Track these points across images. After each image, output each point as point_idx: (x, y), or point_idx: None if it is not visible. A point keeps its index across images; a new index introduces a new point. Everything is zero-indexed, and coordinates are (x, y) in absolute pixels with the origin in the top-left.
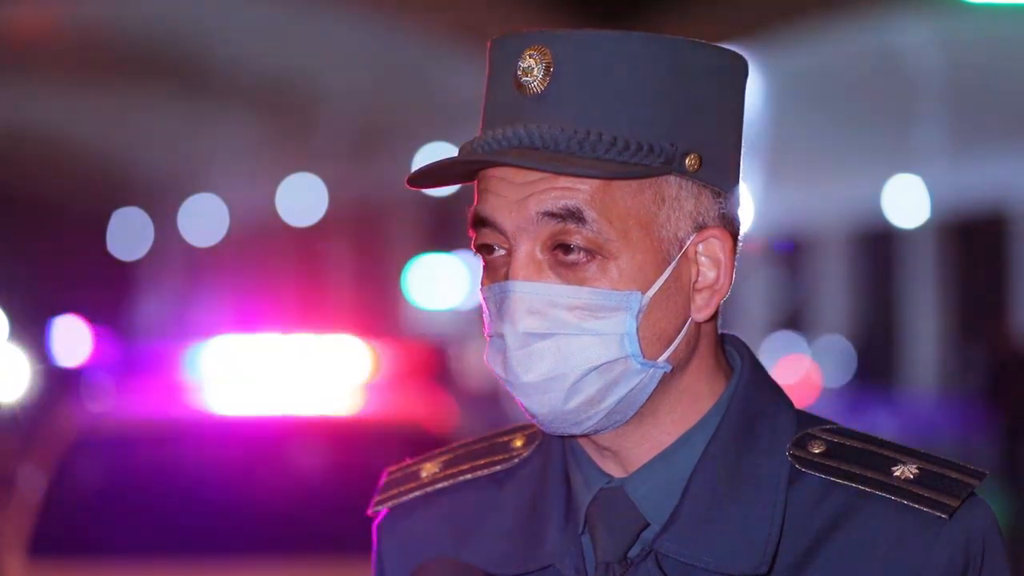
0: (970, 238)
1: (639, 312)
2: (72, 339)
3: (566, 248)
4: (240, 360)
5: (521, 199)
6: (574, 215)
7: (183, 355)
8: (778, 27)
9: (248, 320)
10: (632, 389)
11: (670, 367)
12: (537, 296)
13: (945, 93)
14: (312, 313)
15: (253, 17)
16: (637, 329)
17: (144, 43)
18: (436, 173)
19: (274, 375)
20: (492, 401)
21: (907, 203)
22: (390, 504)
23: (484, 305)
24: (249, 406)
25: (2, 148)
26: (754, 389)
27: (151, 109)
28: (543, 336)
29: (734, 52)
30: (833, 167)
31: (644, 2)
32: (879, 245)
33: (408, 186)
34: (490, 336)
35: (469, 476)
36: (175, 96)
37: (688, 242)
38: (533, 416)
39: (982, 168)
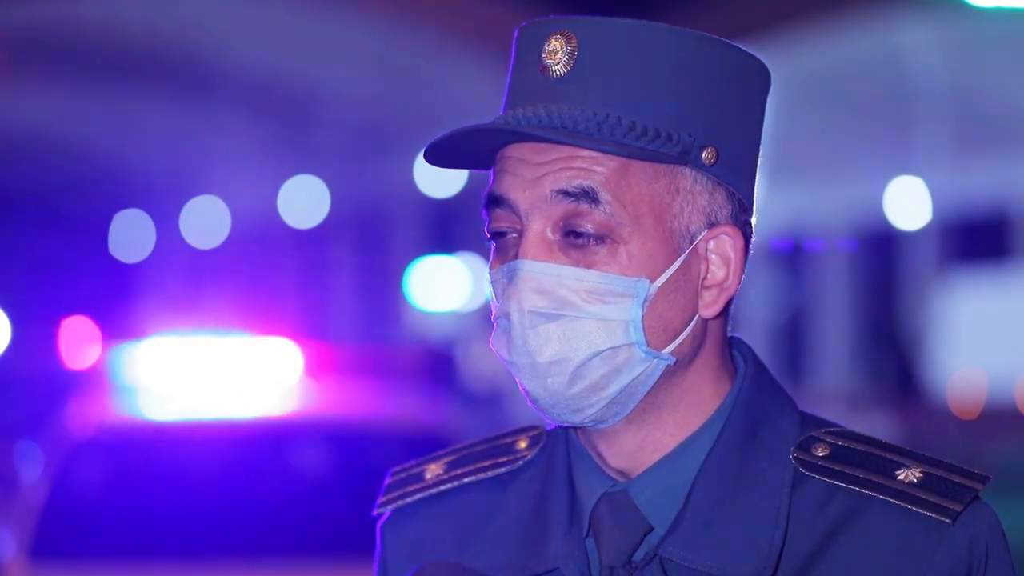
0: (972, 240)
1: (646, 300)
2: (75, 341)
3: (578, 231)
4: (229, 362)
5: (536, 178)
6: (588, 195)
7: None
8: (780, 29)
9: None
10: (635, 378)
11: (674, 360)
12: (546, 276)
13: (947, 95)
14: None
15: (255, 19)
16: (643, 318)
17: (146, 45)
18: (452, 149)
19: (231, 378)
20: (494, 403)
21: (909, 205)
22: (394, 505)
23: (492, 288)
24: (251, 408)
25: (2, 149)
26: (758, 391)
27: (153, 111)
28: (549, 317)
29: (759, 59)
30: (835, 169)
31: (645, 4)
32: (881, 247)
33: (425, 160)
34: (496, 318)
35: (473, 478)
36: (177, 98)
37: (699, 237)
38: (534, 401)
39: (984, 170)
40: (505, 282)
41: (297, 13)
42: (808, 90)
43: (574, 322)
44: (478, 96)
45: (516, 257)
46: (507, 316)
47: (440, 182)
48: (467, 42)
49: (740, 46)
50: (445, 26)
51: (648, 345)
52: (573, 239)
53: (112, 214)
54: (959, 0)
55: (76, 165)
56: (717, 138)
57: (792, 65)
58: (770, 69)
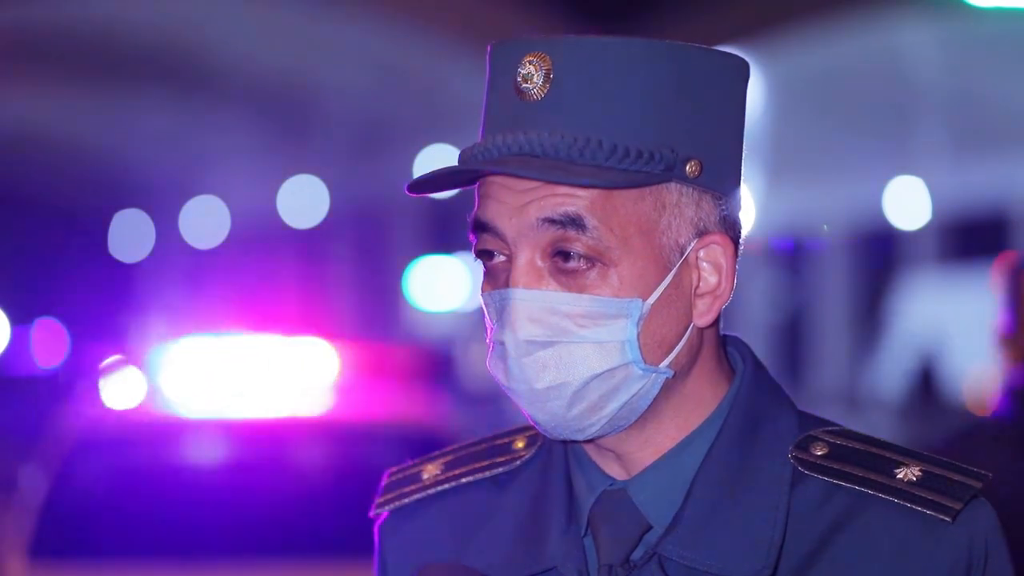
0: (971, 240)
1: (640, 319)
2: (73, 341)
3: (566, 255)
4: (231, 362)
5: (521, 205)
6: (574, 222)
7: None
8: (779, 29)
9: (229, 320)
10: (634, 395)
11: (672, 372)
12: (537, 304)
13: (947, 95)
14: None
15: (255, 18)
16: (638, 336)
17: (145, 44)
18: (436, 180)
19: (254, 377)
20: (493, 403)
21: (908, 205)
22: (392, 506)
23: (485, 311)
24: (250, 408)
25: (2, 149)
26: (756, 392)
27: (152, 110)
28: (544, 344)
29: (735, 56)
30: (834, 169)
31: (645, 3)
32: (880, 247)
33: (408, 193)
34: (492, 343)
35: (471, 478)
36: (176, 97)
37: (689, 248)
38: (537, 423)
39: (984, 170)
40: (498, 309)
41: (297, 13)
42: (808, 90)
43: (569, 347)
44: (478, 97)
45: (507, 284)
46: (502, 344)
47: None
48: (467, 42)
49: (716, 48)
50: (445, 26)
51: (645, 362)
52: (562, 263)
53: (111, 214)
54: (959, 0)
55: (75, 165)
56: (700, 148)
57: (792, 65)
58: (770, 70)
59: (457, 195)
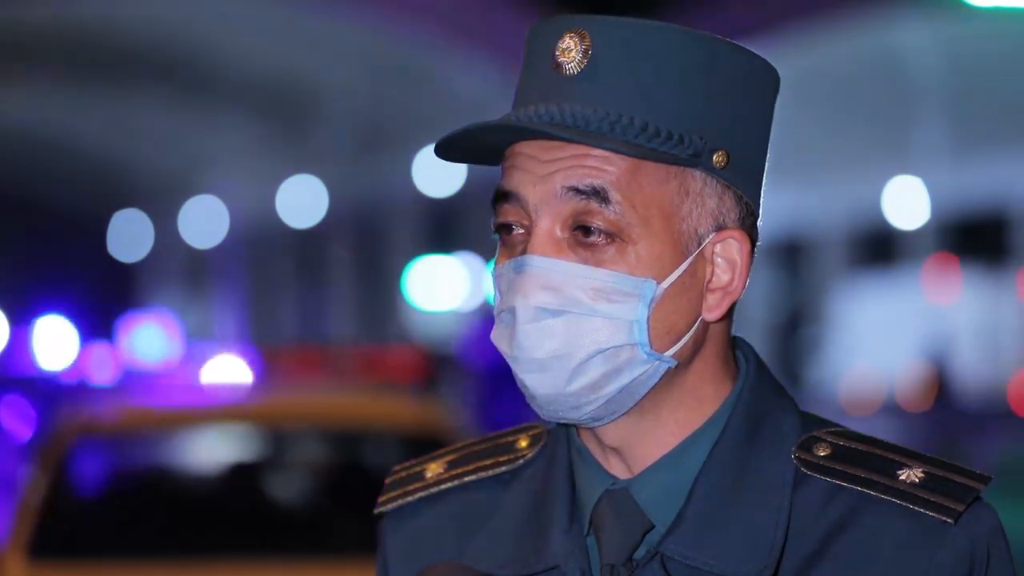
0: (970, 239)
1: (652, 301)
2: (72, 341)
3: (587, 230)
4: (239, 368)
5: (547, 174)
6: (599, 194)
7: (184, 363)
8: (779, 28)
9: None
10: (635, 379)
11: (675, 363)
12: (553, 272)
13: (946, 94)
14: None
15: (254, 18)
16: (648, 318)
17: (145, 44)
18: (464, 144)
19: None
20: (493, 403)
21: (907, 204)
22: (394, 504)
23: (496, 284)
24: (250, 407)
25: (2, 149)
26: (759, 392)
27: (152, 111)
28: (554, 312)
29: (768, 61)
30: (833, 168)
31: (645, 3)
32: (879, 246)
33: (435, 154)
34: (499, 312)
35: (474, 477)
36: (176, 98)
37: (707, 240)
38: (532, 397)
39: (982, 170)
40: (512, 276)
41: (297, 13)
42: (807, 90)
43: (579, 319)
44: (477, 96)
45: (524, 253)
46: (511, 311)
47: (438, 182)
48: (467, 42)
49: (750, 48)
50: (445, 26)
51: (651, 347)
52: (582, 237)
53: (111, 214)
54: (958, 0)
55: (75, 165)
56: (728, 141)
57: (792, 65)
58: None
59: (456, 195)
